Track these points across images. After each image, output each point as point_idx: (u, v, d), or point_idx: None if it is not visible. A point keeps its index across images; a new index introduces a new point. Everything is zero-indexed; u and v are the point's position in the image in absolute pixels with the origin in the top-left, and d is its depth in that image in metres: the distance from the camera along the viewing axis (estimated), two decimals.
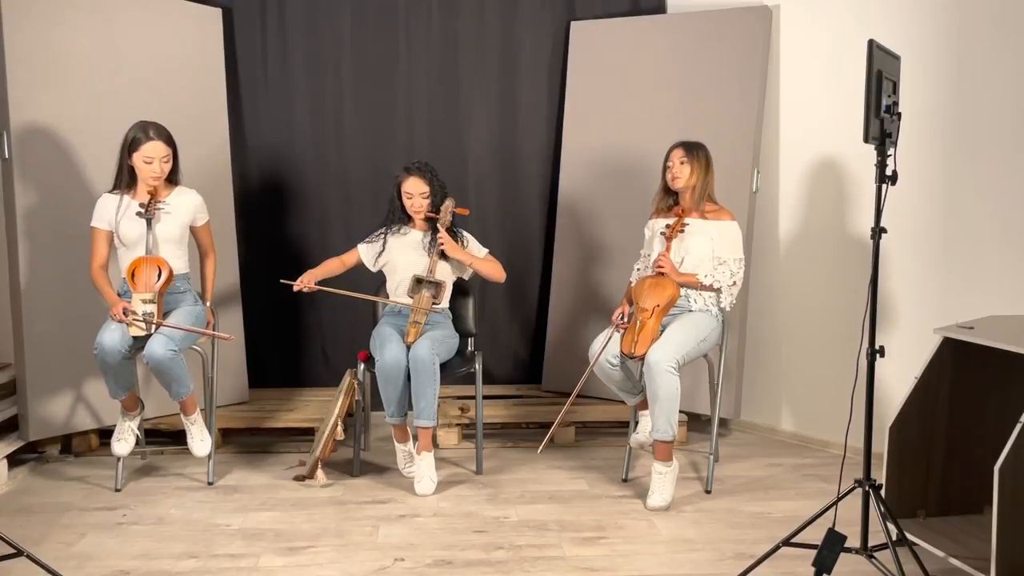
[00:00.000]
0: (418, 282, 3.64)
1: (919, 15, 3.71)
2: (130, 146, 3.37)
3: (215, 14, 4.30)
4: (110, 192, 3.47)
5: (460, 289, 3.86)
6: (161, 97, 4.03)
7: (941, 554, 2.64)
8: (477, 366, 3.75)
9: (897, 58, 2.65)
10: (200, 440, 3.56)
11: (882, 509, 2.57)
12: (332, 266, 3.76)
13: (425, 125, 4.64)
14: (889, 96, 2.54)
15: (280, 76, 4.54)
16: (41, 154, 3.73)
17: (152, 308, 3.29)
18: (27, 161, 3.70)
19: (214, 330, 3.58)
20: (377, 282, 3.91)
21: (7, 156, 3.66)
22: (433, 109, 4.63)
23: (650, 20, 4.46)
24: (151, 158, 3.36)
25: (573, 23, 4.58)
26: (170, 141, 3.41)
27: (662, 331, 3.39)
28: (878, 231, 2.57)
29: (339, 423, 3.62)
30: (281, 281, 3.68)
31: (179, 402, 3.48)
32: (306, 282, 3.59)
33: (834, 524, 2.58)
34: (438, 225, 3.67)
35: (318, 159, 4.61)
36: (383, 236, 3.78)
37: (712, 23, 4.24)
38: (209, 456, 3.61)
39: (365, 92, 4.59)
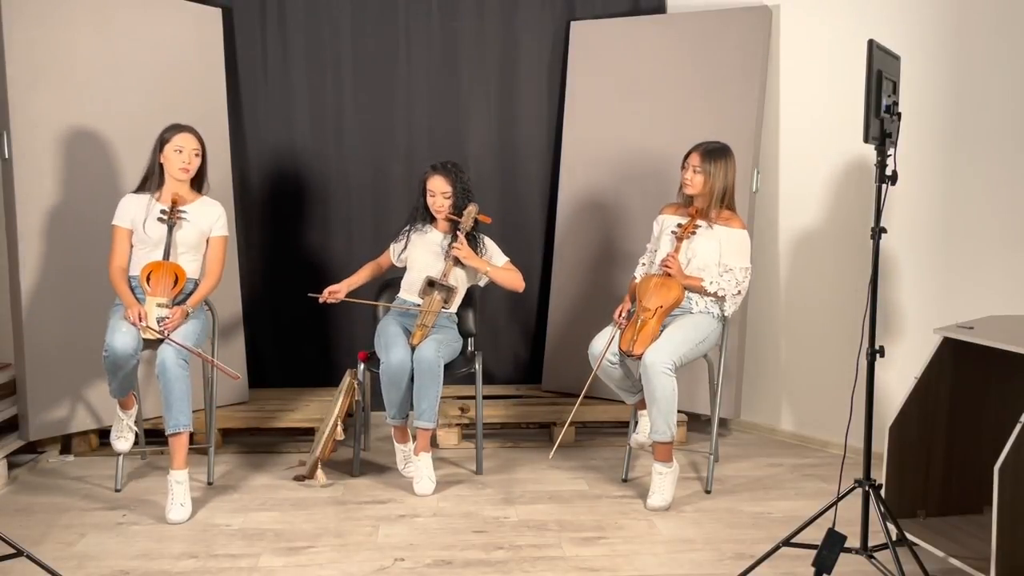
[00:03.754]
0: (430, 284, 3.62)
1: (919, 15, 3.71)
2: (162, 140, 3.41)
3: (215, 14, 4.30)
4: (135, 192, 3.48)
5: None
6: (161, 97, 4.03)
7: (941, 554, 2.64)
8: (477, 366, 3.75)
9: (897, 58, 2.65)
10: (180, 504, 3.26)
11: (882, 509, 2.57)
12: (368, 271, 3.83)
13: (425, 125, 4.64)
14: (889, 96, 2.54)
15: (280, 76, 4.54)
16: (41, 154, 3.73)
17: (167, 312, 3.31)
18: (27, 161, 3.70)
19: (214, 329, 3.60)
20: (379, 281, 3.93)
21: (7, 156, 3.66)
22: (433, 109, 4.63)
23: (650, 20, 4.46)
24: (181, 147, 3.39)
25: (573, 23, 4.58)
26: (200, 138, 3.45)
27: (662, 331, 3.39)
28: (878, 231, 2.57)
29: (339, 423, 3.62)
30: (309, 295, 3.74)
31: (172, 438, 3.27)
32: (328, 295, 3.63)
33: (834, 524, 2.58)
34: (458, 229, 3.66)
35: (318, 159, 4.61)
36: (407, 232, 3.79)
37: (712, 23, 4.24)
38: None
39: (365, 92, 4.59)
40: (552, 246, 4.63)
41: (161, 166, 3.43)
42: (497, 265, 3.76)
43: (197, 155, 3.44)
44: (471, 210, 3.66)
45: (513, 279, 3.75)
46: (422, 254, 3.72)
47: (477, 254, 3.69)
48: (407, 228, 3.80)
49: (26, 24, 3.67)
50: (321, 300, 3.65)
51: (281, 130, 4.57)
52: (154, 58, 4.04)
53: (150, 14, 4.04)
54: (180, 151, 3.39)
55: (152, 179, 3.46)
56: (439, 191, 3.66)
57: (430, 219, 3.77)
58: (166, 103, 4.02)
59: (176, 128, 3.42)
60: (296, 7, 4.50)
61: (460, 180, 3.68)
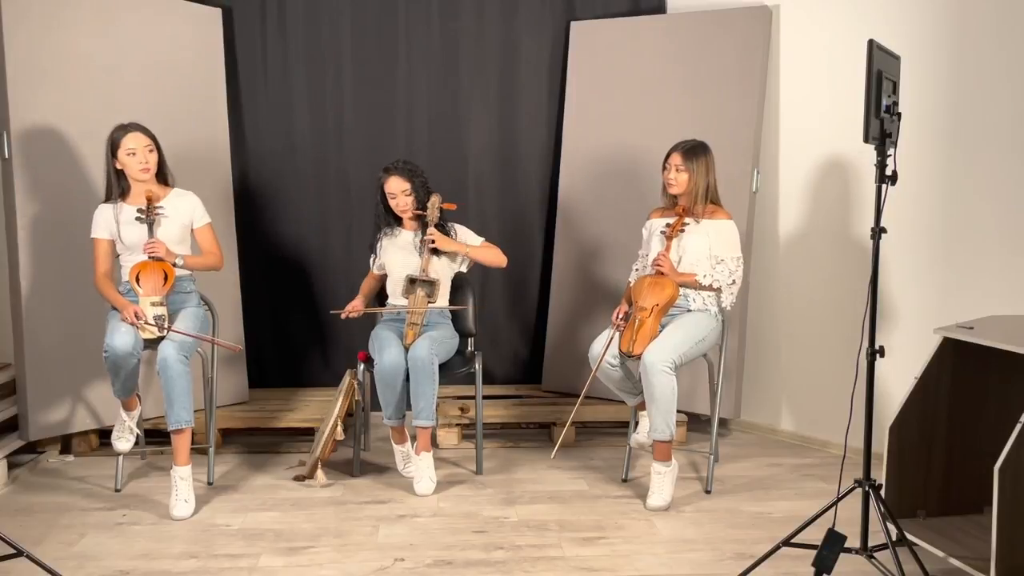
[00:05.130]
0: (411, 282, 3.62)
1: (919, 15, 3.71)
2: (112, 147, 3.37)
3: (215, 14, 4.30)
4: (105, 203, 3.45)
5: (460, 288, 3.86)
6: (161, 97, 4.03)
7: (941, 554, 2.64)
8: (477, 366, 3.75)
9: (897, 58, 2.65)
10: (184, 500, 3.28)
11: (882, 509, 2.57)
12: (369, 284, 3.87)
13: (425, 125, 4.64)
14: (889, 96, 2.54)
15: (280, 76, 4.54)
16: (41, 154, 3.73)
17: (162, 311, 3.31)
18: (27, 161, 3.70)
19: (214, 329, 3.61)
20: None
21: (7, 156, 3.67)
22: (433, 109, 4.63)
23: (650, 20, 4.46)
24: (133, 149, 3.35)
25: (573, 23, 4.58)
26: (149, 133, 3.40)
27: (661, 330, 3.40)
28: (878, 231, 2.57)
29: (339, 423, 3.62)
30: (331, 312, 3.83)
31: (174, 434, 3.29)
32: (352, 309, 3.71)
33: (834, 524, 2.58)
34: (427, 222, 3.66)
35: (318, 159, 4.61)
36: (379, 240, 3.79)
37: (712, 23, 4.24)
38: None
39: (365, 92, 4.59)
40: (552, 246, 4.63)
41: (120, 171, 3.40)
42: (475, 245, 3.76)
43: (151, 151, 3.40)
44: (434, 201, 3.66)
45: (494, 255, 3.75)
46: (397, 256, 3.71)
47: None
48: (377, 237, 3.80)
49: (27, 24, 3.67)
50: (343, 316, 3.70)
51: (281, 130, 4.57)
52: (154, 58, 4.04)
53: (150, 14, 4.04)
54: (133, 153, 3.35)
55: (113, 186, 3.42)
56: (399, 191, 3.65)
57: (396, 221, 3.76)
58: (166, 103, 4.02)
59: (122, 129, 3.37)
60: (296, 7, 4.50)
61: (417, 175, 3.68)
